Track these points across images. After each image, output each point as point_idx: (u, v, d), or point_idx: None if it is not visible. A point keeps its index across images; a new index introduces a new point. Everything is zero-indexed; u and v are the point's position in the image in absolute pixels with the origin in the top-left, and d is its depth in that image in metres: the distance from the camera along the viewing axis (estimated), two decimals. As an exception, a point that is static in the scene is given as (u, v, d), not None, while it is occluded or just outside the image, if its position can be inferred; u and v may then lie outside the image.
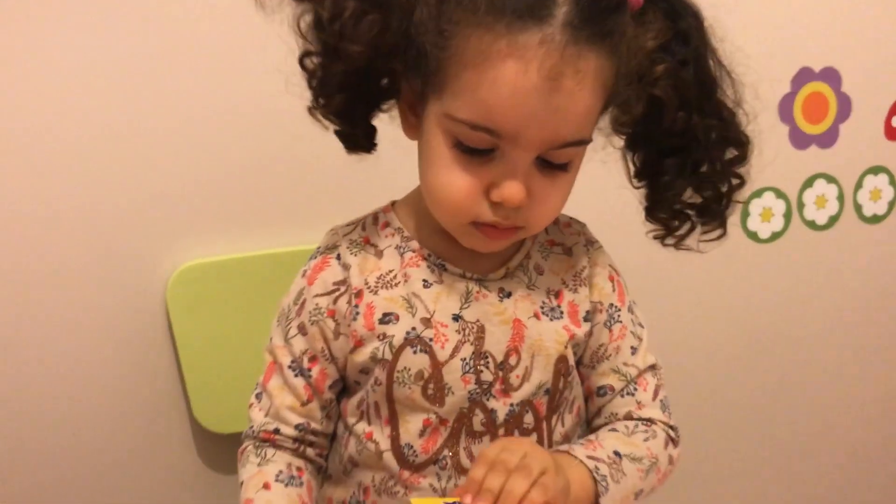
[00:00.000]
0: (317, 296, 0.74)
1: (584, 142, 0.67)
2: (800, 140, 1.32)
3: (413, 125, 0.70)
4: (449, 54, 0.62)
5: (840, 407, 1.44)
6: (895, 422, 1.48)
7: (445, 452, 0.72)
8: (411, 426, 0.72)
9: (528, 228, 0.70)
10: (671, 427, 0.78)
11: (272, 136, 1.02)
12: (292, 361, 0.74)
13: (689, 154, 0.71)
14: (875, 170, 1.37)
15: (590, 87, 0.62)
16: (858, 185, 1.37)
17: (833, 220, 1.37)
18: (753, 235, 1.33)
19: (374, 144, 0.73)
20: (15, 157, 0.96)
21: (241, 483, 0.73)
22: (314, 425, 0.75)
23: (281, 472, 0.73)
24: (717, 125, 0.71)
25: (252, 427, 0.76)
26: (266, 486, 0.71)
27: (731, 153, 0.74)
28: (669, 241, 0.77)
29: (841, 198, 1.36)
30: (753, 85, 1.22)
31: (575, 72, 0.60)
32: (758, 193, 1.31)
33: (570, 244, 0.78)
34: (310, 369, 0.74)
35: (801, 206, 1.34)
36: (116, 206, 1.00)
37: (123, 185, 1.00)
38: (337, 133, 0.72)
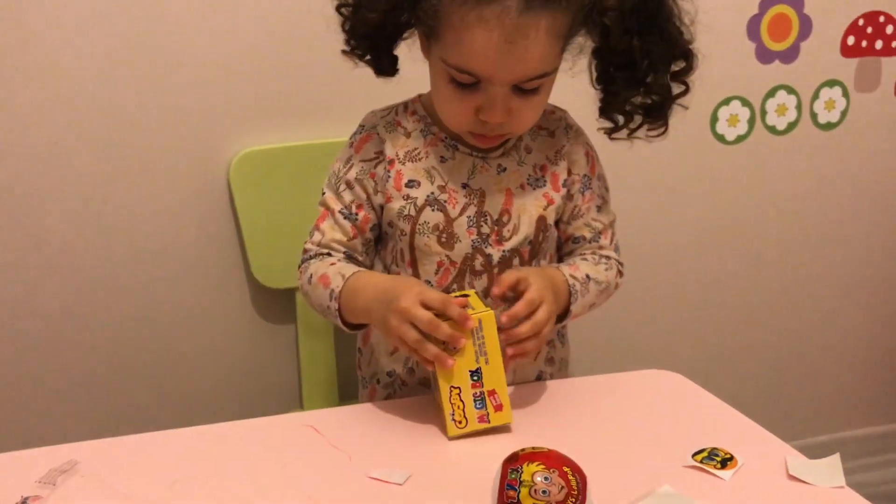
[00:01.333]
0: (362, 161, 0.97)
1: (546, 74, 0.87)
2: (764, 55, 1.52)
3: (426, 49, 0.92)
4: (439, 17, 0.84)
5: (785, 287, 1.68)
6: (833, 300, 1.72)
7: (454, 286, 0.96)
8: (428, 267, 0.96)
9: (512, 134, 0.93)
10: (620, 263, 1.04)
11: (322, 45, 1.23)
12: (343, 208, 0.97)
13: (634, 68, 0.90)
14: (830, 83, 1.57)
15: (543, 41, 0.83)
16: (815, 97, 1.58)
17: (791, 126, 1.58)
18: (721, 138, 1.55)
19: (397, 70, 0.95)
20: (106, 63, 1.19)
21: (311, 276, 0.95)
22: (356, 256, 0.99)
23: (341, 259, 0.97)
24: (661, 44, 0.90)
25: (308, 252, 0.99)
26: (332, 264, 0.95)
27: (678, 65, 0.93)
28: (619, 134, 0.96)
29: (799, 107, 1.58)
30: (724, 7, 1.43)
31: (526, 34, 0.81)
32: (725, 101, 1.53)
33: (553, 128, 1.00)
34: (356, 214, 0.97)
35: (763, 113, 1.56)
36: (190, 101, 1.24)
37: (195, 84, 1.23)
38: (367, 62, 0.94)
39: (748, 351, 1.69)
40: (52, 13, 1.15)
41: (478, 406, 0.85)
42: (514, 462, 0.70)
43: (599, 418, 0.91)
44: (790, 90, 1.56)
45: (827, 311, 1.72)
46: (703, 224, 1.59)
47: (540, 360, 1.03)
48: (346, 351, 1.35)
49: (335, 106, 1.28)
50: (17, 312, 1.25)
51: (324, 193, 1.00)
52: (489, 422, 0.85)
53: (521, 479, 0.69)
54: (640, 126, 0.95)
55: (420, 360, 0.84)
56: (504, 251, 0.97)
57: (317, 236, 0.99)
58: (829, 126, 1.60)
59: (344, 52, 0.94)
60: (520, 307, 0.85)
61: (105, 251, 1.26)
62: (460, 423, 0.85)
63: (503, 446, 0.76)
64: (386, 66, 0.95)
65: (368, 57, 0.94)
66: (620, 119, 0.95)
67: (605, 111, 0.95)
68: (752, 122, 1.56)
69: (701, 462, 0.80)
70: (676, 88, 0.94)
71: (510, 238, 0.97)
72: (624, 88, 0.92)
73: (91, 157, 1.22)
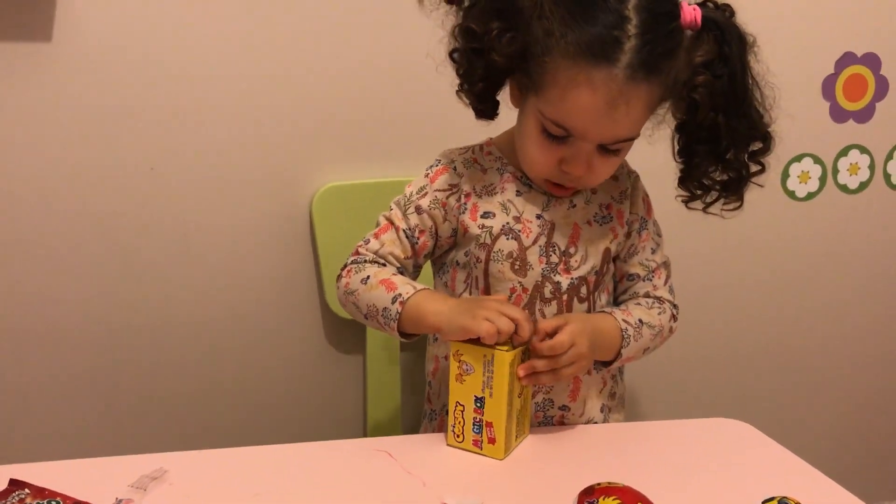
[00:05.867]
0: (436, 190, 1.02)
1: (631, 139, 0.93)
2: (839, 114, 1.53)
3: (517, 98, 0.97)
4: (546, 72, 0.88)
5: (848, 345, 1.66)
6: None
7: (525, 310, 0.99)
8: (501, 294, 1.00)
9: (585, 187, 1.00)
10: (675, 306, 1.08)
11: (408, 88, 1.32)
12: (407, 228, 1.02)
13: (717, 144, 0.95)
14: (905, 144, 1.58)
15: (638, 108, 0.89)
16: (889, 157, 1.58)
17: (863, 185, 1.58)
18: (791, 194, 1.56)
19: (497, 114, 1.00)
20: (202, 96, 1.26)
21: (367, 277, 0.99)
22: (406, 276, 1.03)
23: (397, 271, 1.01)
24: (744, 124, 0.94)
25: (363, 256, 1.03)
26: (394, 274, 0.99)
27: (756, 146, 0.98)
28: (694, 205, 1.00)
29: (872, 167, 1.58)
30: (799, 66, 1.46)
31: (627, 100, 0.87)
32: (797, 158, 1.54)
33: (617, 173, 1.05)
34: (418, 238, 1.02)
35: (835, 171, 1.56)
36: (279, 136, 1.30)
37: (287, 119, 1.30)
38: (472, 107, 0.98)
39: (816, 405, 1.68)
40: (153, 49, 1.23)
41: (475, 430, 0.91)
42: (590, 495, 0.72)
43: (668, 462, 0.93)
44: (863, 150, 1.56)
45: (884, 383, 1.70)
46: (770, 276, 1.59)
47: (605, 393, 1.08)
48: (411, 384, 1.38)
49: (417, 145, 1.32)
50: (110, 329, 1.31)
51: (391, 209, 1.05)
52: (481, 449, 0.91)
53: (597, 511, 0.70)
54: (716, 200, 1.00)
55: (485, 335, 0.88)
56: (572, 279, 1.01)
57: (374, 244, 1.03)
58: (902, 187, 1.60)
59: (457, 92, 0.98)
60: (543, 346, 0.92)
61: (190, 273, 1.32)
62: (458, 436, 0.92)
63: (577, 479, 0.78)
64: (489, 109, 0.99)
65: (476, 105, 0.98)
66: (698, 191, 1.00)
67: (684, 182, 1.00)
68: (823, 179, 1.56)
69: (772, 510, 0.80)
70: (753, 168, 0.99)
71: (578, 267, 1.01)
72: (704, 162, 0.97)
73: (184, 182, 1.28)
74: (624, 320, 1.01)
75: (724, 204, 1.00)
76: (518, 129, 0.98)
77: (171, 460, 0.86)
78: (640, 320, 1.02)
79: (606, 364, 1.02)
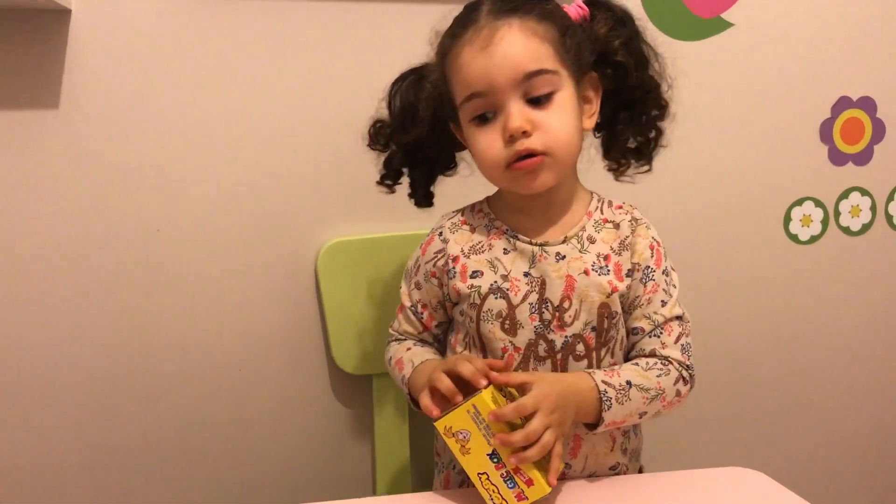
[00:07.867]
0: (426, 262, 1.06)
1: (545, 71, 0.93)
2: (837, 158, 1.54)
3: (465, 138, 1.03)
4: (449, 79, 0.98)
5: (855, 388, 1.65)
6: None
7: (519, 370, 0.98)
8: (495, 353, 0.99)
9: (549, 152, 0.94)
10: (686, 367, 0.99)
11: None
12: (412, 306, 1.09)
13: (640, 107, 1.02)
14: (905, 185, 1.58)
15: (520, 37, 0.92)
16: (890, 198, 1.59)
17: (866, 227, 1.59)
18: (794, 238, 1.56)
19: (432, 203, 1.12)
20: (205, 161, 1.27)
21: (390, 359, 1.09)
22: (429, 343, 1.10)
23: (416, 343, 1.09)
24: (649, 91, 1.01)
25: (391, 336, 1.13)
26: (408, 349, 1.06)
27: (655, 112, 1.03)
28: (617, 175, 1.06)
29: (874, 208, 1.58)
30: (796, 110, 1.47)
31: (501, 35, 0.92)
32: (798, 202, 1.54)
33: (618, 221, 1.03)
34: (421, 313, 1.09)
35: (837, 214, 1.57)
36: (284, 194, 1.31)
37: (290, 177, 1.31)
38: (409, 195, 1.12)
39: (824, 450, 1.66)
40: (157, 114, 1.25)
41: (510, 485, 0.86)
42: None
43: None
44: (864, 192, 1.57)
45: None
46: (776, 321, 1.58)
47: (616, 450, 1.03)
48: (420, 438, 1.37)
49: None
50: (114, 389, 1.30)
51: (402, 286, 1.11)
52: (528, 498, 0.86)
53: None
54: (628, 167, 1.06)
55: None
56: (566, 337, 0.98)
57: (396, 323, 1.12)
58: (904, 228, 1.60)
59: (378, 182, 1.11)
60: (508, 409, 0.86)
61: (196, 331, 1.32)
62: None
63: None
64: (422, 198, 1.12)
65: (410, 192, 1.12)
66: (622, 160, 1.06)
67: (610, 152, 1.06)
68: (825, 222, 1.57)
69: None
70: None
71: (571, 323, 0.98)
72: (626, 129, 1.03)
73: (190, 242, 1.29)
74: (604, 381, 0.94)
75: (635, 170, 1.06)
76: (471, 153, 1.02)
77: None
78: (629, 382, 0.95)
79: (592, 427, 0.96)
